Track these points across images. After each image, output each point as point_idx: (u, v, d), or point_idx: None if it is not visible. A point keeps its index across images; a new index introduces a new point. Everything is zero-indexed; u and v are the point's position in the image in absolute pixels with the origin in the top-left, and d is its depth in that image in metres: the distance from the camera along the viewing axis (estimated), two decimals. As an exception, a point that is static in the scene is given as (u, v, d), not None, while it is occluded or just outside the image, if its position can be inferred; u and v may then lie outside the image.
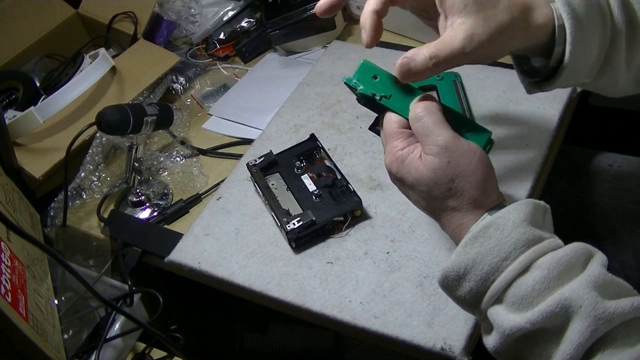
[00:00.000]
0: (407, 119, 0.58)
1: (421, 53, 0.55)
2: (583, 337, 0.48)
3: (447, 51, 0.54)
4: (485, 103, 0.91)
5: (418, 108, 0.57)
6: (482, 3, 0.55)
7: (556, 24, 0.58)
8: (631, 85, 0.66)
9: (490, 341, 0.54)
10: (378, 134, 0.63)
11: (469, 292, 0.54)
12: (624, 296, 0.50)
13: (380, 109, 0.60)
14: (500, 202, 0.56)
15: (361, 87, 0.59)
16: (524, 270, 0.51)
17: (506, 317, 0.52)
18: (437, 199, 0.56)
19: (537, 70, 0.64)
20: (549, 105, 0.88)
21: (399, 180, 0.59)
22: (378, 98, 0.59)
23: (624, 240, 0.92)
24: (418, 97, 0.58)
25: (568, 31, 0.57)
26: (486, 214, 0.55)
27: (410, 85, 0.59)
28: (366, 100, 0.59)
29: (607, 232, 0.94)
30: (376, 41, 0.58)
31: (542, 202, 0.55)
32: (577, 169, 1.00)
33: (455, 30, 0.54)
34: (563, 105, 0.88)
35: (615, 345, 0.49)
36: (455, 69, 0.95)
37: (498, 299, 0.53)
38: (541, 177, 0.82)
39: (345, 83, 0.60)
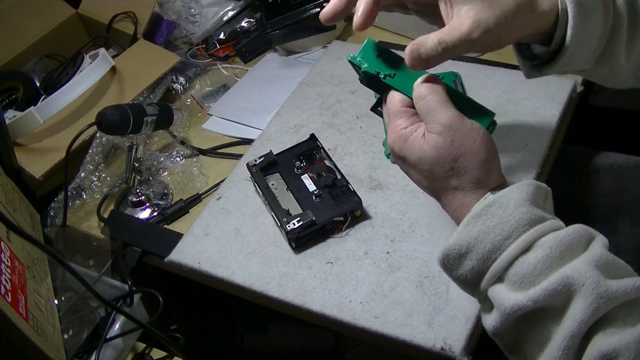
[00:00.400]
0: (411, 98, 0.58)
1: (430, 39, 0.55)
2: (585, 315, 0.48)
3: (455, 37, 0.55)
4: (485, 103, 0.90)
5: (422, 87, 0.57)
6: None
7: (559, 7, 0.58)
8: (630, 77, 0.66)
9: (490, 321, 0.54)
10: (380, 115, 0.63)
11: (470, 271, 0.54)
12: (625, 277, 0.51)
13: (383, 89, 0.60)
14: (502, 183, 0.56)
15: (365, 65, 0.59)
16: (526, 249, 0.52)
17: (507, 296, 0.52)
18: (439, 178, 0.56)
19: (538, 56, 0.64)
20: (549, 105, 0.88)
21: (401, 158, 0.59)
22: (382, 77, 0.59)
23: (624, 240, 0.92)
24: (422, 77, 0.58)
25: (570, 15, 0.58)
26: (489, 193, 0.55)
27: None
28: (369, 79, 0.59)
29: (608, 232, 0.93)
30: (367, 25, 0.59)
31: (544, 184, 0.55)
32: (577, 169, 1.00)
33: (461, 17, 0.55)
34: (563, 105, 0.88)
35: (616, 325, 0.49)
36: (455, 69, 0.95)
37: (499, 278, 0.53)
38: (541, 177, 0.82)
39: (349, 61, 0.60)
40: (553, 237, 0.52)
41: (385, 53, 0.59)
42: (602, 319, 0.49)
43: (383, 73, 0.59)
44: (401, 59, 0.59)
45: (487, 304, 0.55)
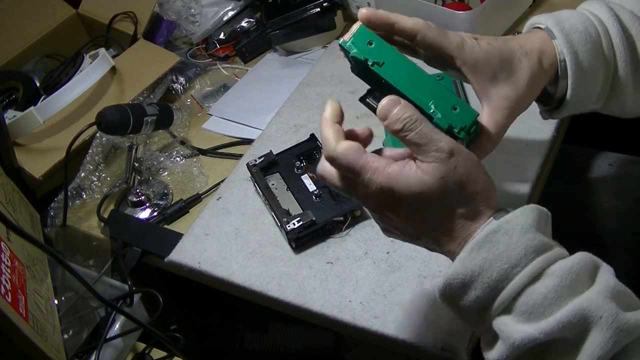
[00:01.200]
0: (397, 90, 0.56)
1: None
2: (603, 350, 0.46)
3: (502, 122, 0.60)
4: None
5: (406, 115, 0.51)
6: (507, 68, 0.59)
7: (558, 59, 0.61)
8: None
9: (493, 354, 0.51)
10: (369, 107, 0.59)
11: (474, 301, 0.51)
12: (634, 307, 0.49)
13: (373, 79, 0.58)
14: (500, 208, 0.54)
15: (354, 50, 0.57)
16: (535, 278, 0.49)
17: (515, 328, 0.49)
18: (446, 210, 0.53)
19: (551, 95, 0.66)
20: (549, 105, 0.88)
21: (392, 204, 0.53)
22: (370, 64, 0.56)
23: (624, 240, 0.92)
24: (386, 101, 0.53)
25: (569, 65, 0.61)
26: (491, 218, 0.52)
27: (406, 57, 0.58)
28: (359, 66, 0.58)
29: (608, 232, 0.94)
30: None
31: (545, 209, 0.53)
32: (577, 169, 1.00)
33: (493, 102, 0.60)
34: (563, 105, 0.88)
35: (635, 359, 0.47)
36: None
37: (506, 309, 0.50)
38: (541, 177, 0.82)
39: (340, 45, 0.58)
40: (562, 265, 0.49)
41: (378, 41, 0.57)
42: (620, 354, 0.47)
43: (372, 60, 0.56)
44: (394, 50, 0.57)
45: (489, 336, 0.53)
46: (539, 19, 0.65)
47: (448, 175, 0.51)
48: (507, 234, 0.50)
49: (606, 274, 0.50)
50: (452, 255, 0.54)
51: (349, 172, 0.53)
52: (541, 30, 0.64)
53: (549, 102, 0.67)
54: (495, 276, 0.50)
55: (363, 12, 0.58)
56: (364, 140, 0.58)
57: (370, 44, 0.57)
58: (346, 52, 0.59)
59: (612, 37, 0.62)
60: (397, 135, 0.52)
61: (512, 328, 0.49)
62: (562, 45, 0.61)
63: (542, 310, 0.49)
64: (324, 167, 0.56)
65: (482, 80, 0.59)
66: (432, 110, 0.56)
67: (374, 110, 0.56)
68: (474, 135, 0.58)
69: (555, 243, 0.52)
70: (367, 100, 0.59)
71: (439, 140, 0.51)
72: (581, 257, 0.51)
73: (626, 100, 0.65)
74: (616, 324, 0.46)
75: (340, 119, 0.56)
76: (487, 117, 0.59)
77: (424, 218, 0.53)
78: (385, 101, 0.52)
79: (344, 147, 0.53)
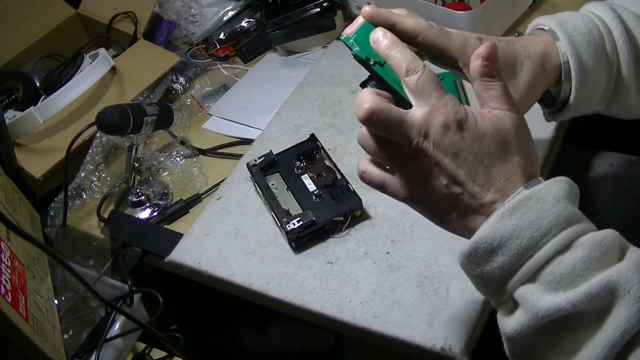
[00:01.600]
0: (397, 90, 0.55)
1: None
2: (630, 324, 0.46)
3: None
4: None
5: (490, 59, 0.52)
6: (509, 71, 0.59)
7: (562, 61, 0.61)
8: None
9: (511, 324, 0.51)
10: None
11: (499, 267, 0.50)
12: None
13: (372, 74, 0.58)
14: (537, 177, 0.54)
15: (357, 48, 0.57)
16: (564, 248, 0.49)
17: (541, 297, 0.48)
18: (505, 155, 0.52)
19: (554, 98, 0.66)
20: (549, 105, 0.88)
21: (453, 136, 0.51)
22: (372, 63, 0.56)
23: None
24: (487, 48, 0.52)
25: (572, 67, 0.61)
26: (522, 187, 0.52)
27: None
28: (359, 62, 0.58)
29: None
30: None
31: (575, 184, 0.53)
32: (577, 169, 1.00)
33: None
34: (563, 105, 0.88)
35: None
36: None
37: (531, 277, 0.49)
38: (541, 177, 0.82)
39: (342, 40, 0.59)
40: (593, 237, 0.49)
41: None
42: None
43: (373, 60, 0.56)
44: None
45: (508, 306, 0.52)
46: (542, 21, 0.65)
47: (520, 124, 0.53)
48: (539, 202, 0.50)
49: (637, 251, 0.50)
50: (486, 211, 0.52)
51: (422, 93, 0.52)
52: (544, 32, 0.64)
53: (552, 104, 0.67)
54: (525, 243, 0.49)
55: (366, 10, 0.57)
56: None
57: None
58: (349, 48, 0.59)
59: (615, 39, 0.62)
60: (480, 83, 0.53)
61: (538, 297, 0.49)
62: (565, 47, 0.61)
63: (570, 281, 0.48)
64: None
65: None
66: None
67: None
68: None
69: (585, 217, 0.52)
70: (368, 85, 0.59)
71: (510, 96, 0.53)
72: (610, 232, 0.50)
73: (629, 101, 0.65)
74: None
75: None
76: None
77: (479, 163, 0.52)
78: (484, 47, 0.52)
79: (428, 70, 0.52)
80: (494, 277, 0.51)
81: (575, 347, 0.48)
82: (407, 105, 0.53)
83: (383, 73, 0.57)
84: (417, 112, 0.52)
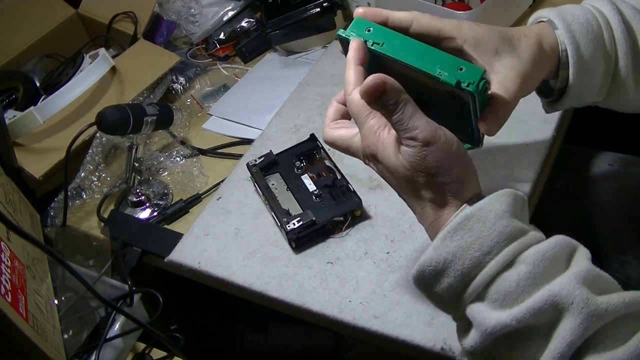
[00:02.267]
0: (401, 61, 0.56)
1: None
2: (575, 335, 0.46)
3: (513, 90, 0.59)
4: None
5: (389, 100, 0.52)
6: (509, 45, 0.59)
7: (560, 49, 0.61)
8: None
9: (468, 341, 0.52)
10: None
11: (447, 289, 0.52)
12: (610, 291, 0.49)
13: (372, 64, 0.58)
14: (478, 193, 0.54)
15: (353, 34, 0.58)
16: (508, 265, 0.49)
17: (488, 315, 0.49)
18: (414, 190, 0.54)
19: (553, 89, 0.66)
20: (549, 105, 0.88)
21: (374, 161, 0.56)
22: (370, 44, 0.57)
23: (624, 240, 0.92)
24: (369, 83, 0.52)
25: (570, 55, 0.61)
26: (465, 205, 0.53)
27: (403, 35, 0.58)
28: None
29: (608, 232, 0.94)
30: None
31: (520, 193, 0.53)
32: (577, 169, 1.00)
33: (501, 73, 0.59)
34: (563, 105, 0.88)
35: (606, 343, 0.47)
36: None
37: (479, 296, 0.50)
38: (541, 177, 0.82)
39: (338, 36, 0.59)
40: (535, 252, 0.49)
41: (375, 27, 0.58)
42: (592, 338, 0.47)
43: (372, 41, 0.57)
44: (392, 32, 0.58)
45: (463, 323, 0.53)
46: (541, 13, 0.65)
47: (417, 162, 0.52)
48: (480, 221, 0.50)
49: (580, 259, 0.50)
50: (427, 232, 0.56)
51: (354, 120, 0.57)
52: (543, 22, 0.64)
53: (551, 94, 0.67)
54: (468, 264, 0.50)
55: (359, 11, 0.59)
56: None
57: (369, 30, 0.58)
58: (345, 42, 0.59)
59: (613, 30, 0.62)
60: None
61: (485, 315, 0.50)
62: (563, 35, 0.61)
63: (515, 297, 0.49)
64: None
65: (486, 56, 0.59)
66: (438, 72, 0.55)
67: None
68: (484, 91, 0.56)
69: (531, 227, 0.52)
70: None
71: (414, 129, 0.51)
72: (556, 241, 0.50)
73: (627, 93, 0.65)
74: (587, 309, 0.46)
75: (363, 59, 0.57)
76: (497, 86, 0.59)
77: (399, 188, 0.56)
78: (370, 78, 0.51)
79: (357, 97, 0.55)
80: (445, 298, 0.53)
81: (529, 359, 0.49)
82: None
83: (383, 50, 0.57)
84: (357, 140, 0.58)
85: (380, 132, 0.54)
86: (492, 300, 0.49)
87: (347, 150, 0.59)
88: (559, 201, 0.98)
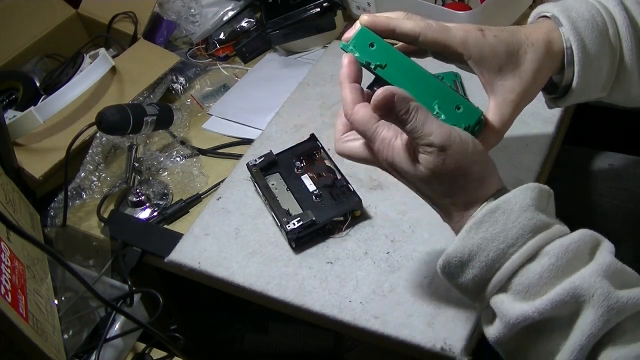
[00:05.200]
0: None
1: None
2: (595, 328, 0.47)
3: (508, 115, 0.60)
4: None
5: (401, 109, 0.53)
6: (514, 60, 0.59)
7: (565, 46, 0.61)
8: None
9: (492, 331, 0.53)
10: None
11: (472, 280, 0.53)
12: (632, 285, 0.49)
13: (376, 77, 0.59)
14: (501, 188, 0.55)
15: (356, 54, 0.58)
16: (531, 257, 0.50)
17: (512, 306, 0.50)
18: (436, 195, 0.56)
19: (557, 85, 0.66)
20: (549, 105, 0.88)
21: (395, 171, 0.57)
22: (373, 67, 0.58)
23: (624, 240, 0.92)
24: (378, 97, 0.54)
25: (575, 53, 0.61)
26: (491, 198, 0.54)
27: (406, 56, 0.58)
28: (362, 66, 0.59)
29: (608, 232, 0.93)
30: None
31: (546, 187, 0.54)
32: (577, 169, 1.00)
33: (499, 95, 0.60)
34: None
35: (626, 337, 0.47)
36: (455, 69, 0.95)
37: (503, 287, 0.51)
38: (541, 177, 0.82)
39: (341, 49, 0.60)
40: (559, 245, 0.50)
41: (379, 42, 0.58)
42: (612, 331, 0.48)
43: (374, 63, 0.58)
44: (395, 51, 0.58)
45: (488, 313, 0.54)
46: (545, 8, 0.65)
47: (436, 168, 0.53)
48: (505, 213, 0.51)
49: (604, 252, 0.51)
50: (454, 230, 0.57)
51: (362, 136, 0.57)
52: (548, 19, 0.64)
53: (554, 91, 0.67)
54: (492, 255, 0.51)
55: (364, 17, 0.58)
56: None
57: (372, 45, 0.58)
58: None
59: (618, 26, 0.62)
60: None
61: (509, 306, 0.51)
62: (568, 32, 0.61)
63: (538, 289, 0.50)
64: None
65: (488, 73, 0.59)
66: (435, 112, 0.57)
67: None
68: (479, 130, 0.58)
69: (556, 221, 0.53)
70: (374, 89, 0.60)
71: (429, 135, 0.52)
72: (580, 234, 0.51)
73: (631, 88, 0.65)
74: (608, 302, 0.47)
75: (357, 76, 0.58)
76: (492, 110, 0.59)
77: (422, 194, 0.58)
78: (379, 92, 0.53)
79: (361, 114, 0.56)
80: (470, 289, 0.54)
81: (549, 352, 0.50)
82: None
83: (385, 75, 0.58)
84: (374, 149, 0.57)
85: (393, 143, 0.55)
86: (516, 291, 0.50)
87: (364, 160, 0.59)
88: (558, 201, 0.98)
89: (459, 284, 0.54)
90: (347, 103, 0.57)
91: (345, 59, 0.58)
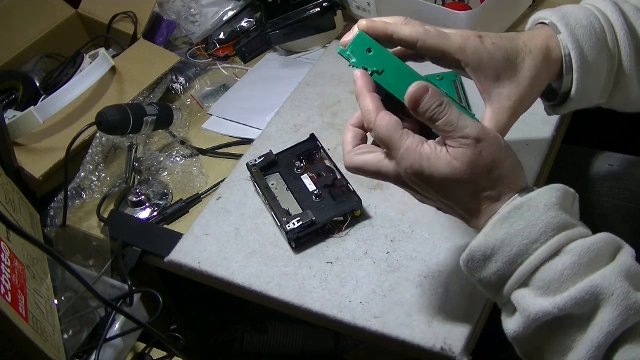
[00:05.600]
0: (397, 98, 0.57)
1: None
2: (613, 326, 0.48)
3: (505, 123, 0.60)
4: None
5: (433, 103, 0.54)
6: (512, 67, 0.59)
7: (563, 54, 0.61)
8: None
9: (511, 325, 0.54)
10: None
11: (494, 274, 0.53)
12: None
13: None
14: (527, 186, 0.56)
15: (354, 60, 0.58)
16: (554, 254, 0.51)
17: (533, 302, 0.51)
18: (472, 194, 0.55)
19: (556, 92, 0.66)
20: (549, 105, 0.88)
21: (422, 181, 0.55)
22: (370, 73, 0.58)
23: (624, 240, 0.92)
24: (415, 86, 0.54)
25: (574, 60, 0.61)
26: (516, 195, 0.54)
27: (404, 63, 0.59)
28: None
29: (608, 232, 0.94)
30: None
31: (572, 190, 0.55)
32: (577, 169, 1.00)
33: (496, 102, 0.60)
34: (563, 105, 0.88)
35: None
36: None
37: (524, 283, 0.52)
38: (541, 177, 0.82)
39: (339, 53, 0.60)
40: (581, 244, 0.51)
41: (377, 48, 0.58)
42: (629, 331, 0.48)
43: (371, 69, 0.58)
44: (393, 56, 0.58)
45: (509, 308, 0.55)
46: (543, 14, 0.65)
47: (475, 160, 0.53)
48: (530, 210, 0.52)
49: (625, 255, 0.52)
50: (479, 231, 0.56)
51: (385, 145, 0.56)
52: (546, 26, 0.64)
53: (553, 98, 0.67)
54: (515, 251, 0.52)
55: (362, 23, 0.59)
56: None
57: (369, 51, 0.58)
58: (345, 59, 0.59)
59: (616, 32, 0.62)
60: (425, 122, 0.55)
61: (530, 301, 0.51)
62: (567, 40, 0.61)
63: (559, 286, 0.50)
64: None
65: (486, 81, 0.59)
66: None
67: None
68: None
69: (580, 223, 0.54)
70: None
71: (464, 127, 0.53)
72: (602, 237, 0.52)
73: (630, 94, 0.66)
74: (626, 302, 0.48)
75: (373, 87, 0.58)
76: (489, 118, 0.60)
77: (453, 197, 0.56)
78: (413, 88, 0.54)
79: (385, 122, 0.55)
80: (492, 283, 0.54)
81: (567, 348, 0.51)
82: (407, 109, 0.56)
83: (381, 81, 0.58)
84: (387, 164, 0.57)
85: (420, 149, 0.54)
86: (537, 287, 0.51)
87: (376, 174, 0.58)
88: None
89: (481, 278, 0.55)
90: (369, 111, 0.56)
91: (359, 74, 0.58)
